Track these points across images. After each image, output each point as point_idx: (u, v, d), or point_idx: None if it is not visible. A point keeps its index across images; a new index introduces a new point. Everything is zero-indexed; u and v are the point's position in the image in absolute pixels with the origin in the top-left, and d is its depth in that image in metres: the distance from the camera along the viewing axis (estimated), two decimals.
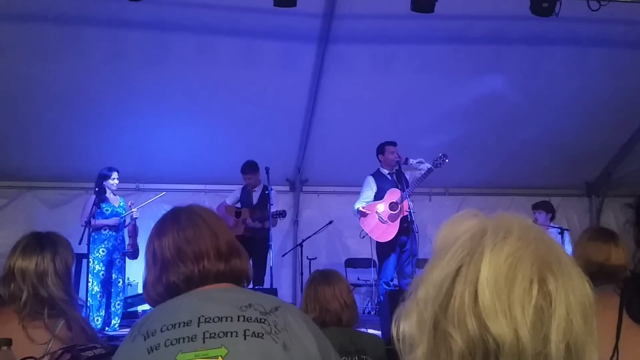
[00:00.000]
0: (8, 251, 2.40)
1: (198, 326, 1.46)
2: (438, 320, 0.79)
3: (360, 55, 6.68)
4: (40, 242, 2.41)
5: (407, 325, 0.84)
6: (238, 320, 1.48)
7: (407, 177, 6.63)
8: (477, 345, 0.76)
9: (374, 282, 7.09)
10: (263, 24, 6.23)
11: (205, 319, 1.47)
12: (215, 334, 1.44)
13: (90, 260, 6.24)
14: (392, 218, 6.49)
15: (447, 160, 6.34)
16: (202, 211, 1.76)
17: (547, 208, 7.14)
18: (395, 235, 6.41)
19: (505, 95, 7.18)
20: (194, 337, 1.44)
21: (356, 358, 2.58)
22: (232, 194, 7.30)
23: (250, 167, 6.97)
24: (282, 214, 6.89)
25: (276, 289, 6.44)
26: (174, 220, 1.73)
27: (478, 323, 0.76)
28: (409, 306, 0.85)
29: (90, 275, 6.21)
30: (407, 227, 6.35)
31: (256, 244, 6.70)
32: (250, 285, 1.89)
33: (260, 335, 1.45)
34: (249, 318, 1.49)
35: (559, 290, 0.77)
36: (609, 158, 8.40)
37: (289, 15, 5.93)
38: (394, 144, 6.66)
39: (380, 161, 6.78)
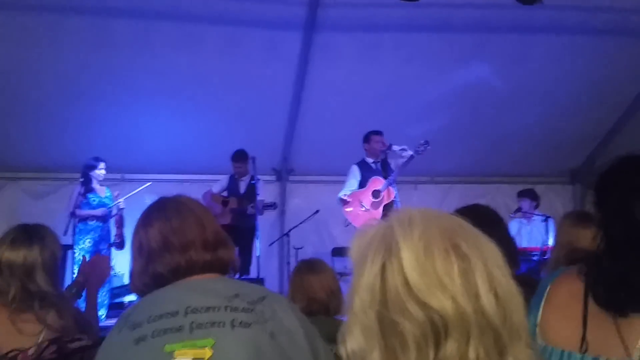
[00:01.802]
0: None
1: (185, 317, 1.45)
2: (382, 317, 0.84)
3: (347, 43, 6.65)
4: (28, 234, 2.39)
5: (353, 339, 0.87)
6: (225, 310, 1.47)
7: (392, 165, 6.67)
8: (425, 325, 0.81)
9: None
10: (248, 12, 6.17)
11: (192, 309, 1.47)
12: (202, 324, 1.44)
13: (76, 251, 6.20)
14: (374, 206, 6.53)
15: (429, 147, 6.39)
16: (188, 201, 1.76)
17: (531, 196, 7.20)
18: None
19: (490, 83, 7.20)
20: (180, 327, 1.44)
21: None
22: (218, 183, 7.29)
23: (241, 156, 6.99)
24: (273, 205, 6.93)
25: (263, 278, 6.44)
26: (160, 210, 1.72)
27: (418, 304, 0.81)
28: (349, 322, 0.89)
29: (75, 267, 6.18)
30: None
31: (242, 233, 6.69)
32: (237, 276, 1.88)
33: (248, 324, 1.45)
34: (235, 308, 1.48)
35: (471, 249, 0.85)
36: (593, 145, 8.46)
37: (274, 3, 5.91)
38: (379, 133, 6.69)
39: (365, 150, 6.80)
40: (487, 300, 0.82)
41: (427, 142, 6.39)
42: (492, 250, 0.88)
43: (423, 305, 0.81)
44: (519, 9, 5.68)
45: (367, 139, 6.75)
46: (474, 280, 0.83)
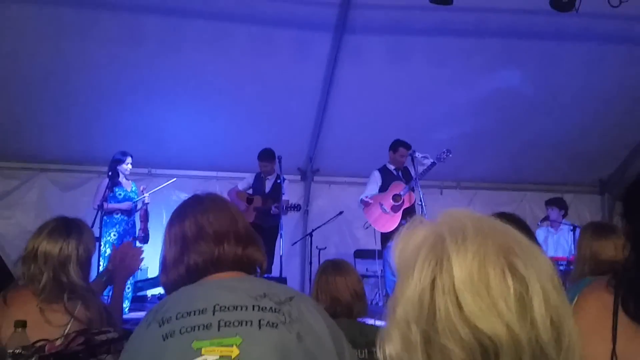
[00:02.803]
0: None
1: (213, 314, 1.46)
2: (429, 337, 0.80)
3: (376, 46, 6.64)
4: (67, 227, 2.43)
5: (392, 348, 0.84)
6: (253, 310, 1.48)
7: (412, 172, 6.66)
8: (474, 350, 0.77)
9: (380, 274, 7.10)
10: (279, 12, 6.20)
11: (221, 307, 1.47)
12: (230, 322, 1.44)
13: (102, 243, 6.27)
14: (394, 209, 6.54)
15: (450, 155, 6.42)
16: (221, 198, 1.82)
17: (559, 204, 7.11)
18: (398, 226, 6.45)
19: (520, 90, 7.13)
20: (209, 325, 1.44)
21: (366, 351, 2.51)
22: (244, 180, 7.32)
23: (267, 155, 7.00)
24: (297, 207, 6.95)
25: (285, 278, 6.45)
26: (196, 203, 1.77)
27: (469, 328, 0.77)
28: (390, 329, 0.86)
29: (101, 259, 6.24)
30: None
31: (265, 232, 6.70)
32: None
33: (275, 325, 1.45)
34: (263, 308, 1.49)
35: (529, 270, 0.80)
36: (623, 156, 8.33)
37: (305, 4, 5.92)
38: (408, 147, 6.66)
39: (389, 157, 6.82)
40: (542, 327, 0.78)
41: (449, 151, 6.41)
42: (547, 268, 0.83)
43: (474, 328, 0.77)
44: (552, 15, 5.61)
45: (394, 148, 6.76)
46: (530, 305, 0.78)
